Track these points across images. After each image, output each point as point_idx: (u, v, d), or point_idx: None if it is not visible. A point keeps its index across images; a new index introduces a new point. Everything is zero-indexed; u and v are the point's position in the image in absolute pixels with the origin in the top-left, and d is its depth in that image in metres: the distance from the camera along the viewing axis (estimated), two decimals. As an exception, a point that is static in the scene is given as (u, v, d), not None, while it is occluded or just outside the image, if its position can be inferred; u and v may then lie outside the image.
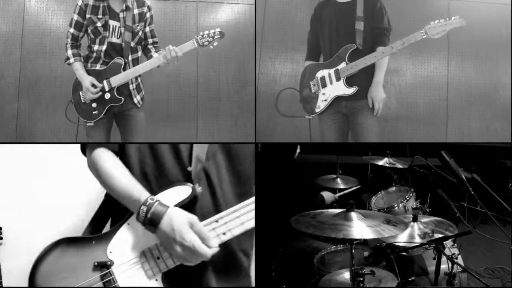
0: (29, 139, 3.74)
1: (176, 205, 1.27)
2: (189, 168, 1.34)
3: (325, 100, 2.83)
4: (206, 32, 2.59)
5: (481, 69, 3.99)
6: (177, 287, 1.23)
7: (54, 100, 3.73)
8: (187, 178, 1.33)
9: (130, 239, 1.25)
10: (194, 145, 1.38)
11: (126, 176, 1.41)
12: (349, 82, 2.76)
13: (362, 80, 2.79)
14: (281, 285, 2.59)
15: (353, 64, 2.73)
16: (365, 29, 2.75)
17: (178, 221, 1.21)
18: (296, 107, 3.04)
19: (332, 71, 2.79)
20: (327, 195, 3.05)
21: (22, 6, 3.74)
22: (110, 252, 1.26)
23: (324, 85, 2.83)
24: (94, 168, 1.49)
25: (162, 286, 1.21)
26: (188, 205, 1.29)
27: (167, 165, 1.35)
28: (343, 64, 2.76)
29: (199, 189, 1.33)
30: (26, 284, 1.50)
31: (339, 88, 2.78)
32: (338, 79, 2.77)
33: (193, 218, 1.28)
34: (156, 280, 1.20)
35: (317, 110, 2.88)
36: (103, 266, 1.24)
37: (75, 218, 2.80)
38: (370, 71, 2.80)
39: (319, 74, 2.85)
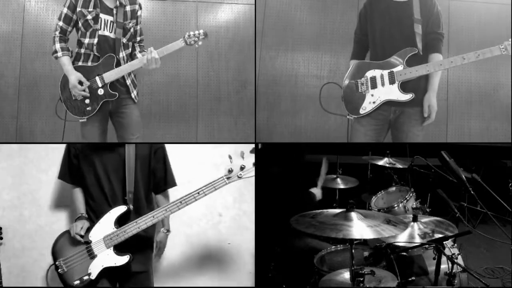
0: (29, 139, 3.74)
1: (120, 214, 2.42)
2: (126, 197, 2.46)
3: (374, 102, 2.60)
4: (192, 32, 2.70)
5: (481, 69, 4.00)
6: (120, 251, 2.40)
7: (54, 100, 3.69)
8: (125, 201, 2.47)
9: (98, 231, 2.40)
10: (127, 186, 2.46)
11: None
12: (403, 86, 2.55)
13: (415, 85, 2.59)
14: (281, 285, 2.59)
15: (413, 69, 2.51)
16: (422, 32, 2.55)
17: None
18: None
19: (385, 72, 2.57)
20: (316, 191, 3.04)
21: (22, 6, 3.74)
22: (90, 237, 2.39)
23: (374, 86, 2.60)
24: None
25: (113, 251, 2.37)
26: (126, 213, 2.44)
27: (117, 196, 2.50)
28: (399, 67, 2.54)
29: (131, 207, 2.45)
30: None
31: (392, 92, 2.55)
32: (392, 82, 2.55)
33: None
34: (110, 249, 2.37)
35: (361, 111, 2.65)
36: (87, 243, 2.39)
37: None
38: (423, 76, 2.58)
39: (370, 73, 2.63)
